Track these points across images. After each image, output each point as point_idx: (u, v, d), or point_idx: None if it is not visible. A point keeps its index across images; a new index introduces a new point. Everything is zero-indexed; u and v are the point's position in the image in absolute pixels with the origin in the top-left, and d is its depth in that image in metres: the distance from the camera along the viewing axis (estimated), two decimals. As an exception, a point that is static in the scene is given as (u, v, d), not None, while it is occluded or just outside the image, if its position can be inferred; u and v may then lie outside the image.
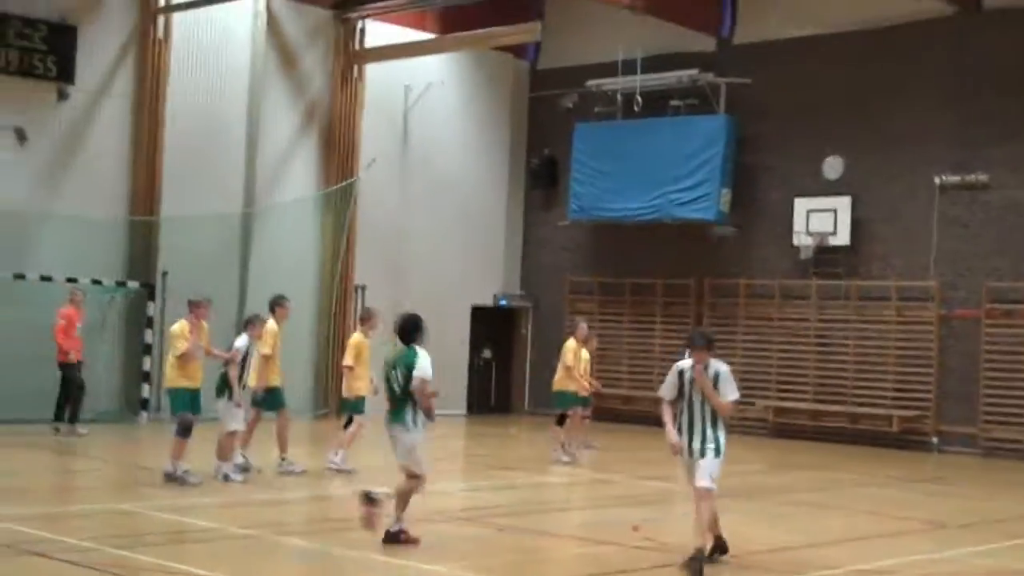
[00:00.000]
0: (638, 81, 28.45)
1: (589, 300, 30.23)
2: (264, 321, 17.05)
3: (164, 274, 24.34)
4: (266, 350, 16.90)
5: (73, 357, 20.82)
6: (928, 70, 25.83)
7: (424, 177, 29.30)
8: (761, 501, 17.03)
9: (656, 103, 28.68)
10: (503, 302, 31.19)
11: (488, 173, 30.99)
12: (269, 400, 17.16)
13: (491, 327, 31.11)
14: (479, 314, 30.68)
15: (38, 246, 22.87)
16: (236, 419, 15.95)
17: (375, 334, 17.53)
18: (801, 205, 26.81)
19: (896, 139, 26.00)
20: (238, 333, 17.13)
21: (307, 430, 24.03)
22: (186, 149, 24.92)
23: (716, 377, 11.81)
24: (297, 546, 12.10)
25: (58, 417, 20.72)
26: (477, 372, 30.91)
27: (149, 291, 23.96)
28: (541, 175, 31.12)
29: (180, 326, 15.92)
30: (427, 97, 29.11)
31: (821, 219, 26.56)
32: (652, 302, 29.13)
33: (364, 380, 17.23)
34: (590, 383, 21.76)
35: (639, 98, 28.46)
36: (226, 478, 15.71)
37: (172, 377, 15.93)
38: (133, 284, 24.09)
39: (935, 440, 25.19)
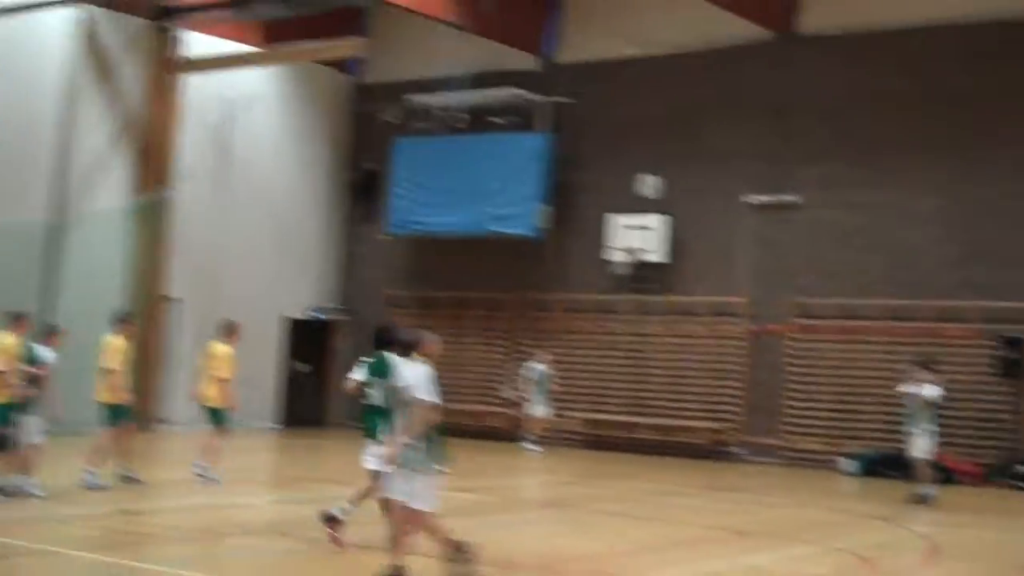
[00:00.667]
0: (460, 98, 28.63)
1: (406, 314, 30.19)
2: (61, 333, 16.70)
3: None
4: (113, 365, 16.80)
5: None
6: (745, 93, 26.55)
7: (243, 190, 28.97)
8: (569, 510, 17.26)
9: (478, 120, 28.88)
10: (319, 315, 30.99)
11: (309, 186, 30.82)
12: (115, 414, 16.89)
13: (308, 340, 30.87)
14: (296, 327, 30.43)
15: None
16: (38, 432, 15.59)
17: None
18: (617, 222, 27.26)
19: (712, 159, 26.65)
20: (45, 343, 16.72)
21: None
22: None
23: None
24: (93, 560, 11.82)
25: None
26: (292, 385, 30.63)
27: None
28: (362, 189, 31.07)
29: (6, 341, 15.54)
30: (247, 108, 28.81)
31: (636, 236, 27.04)
32: (470, 316, 29.29)
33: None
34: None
35: (461, 115, 28.65)
36: (24, 492, 15.32)
37: None
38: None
39: (741, 451, 25.84)
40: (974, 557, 14.95)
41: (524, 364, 27.05)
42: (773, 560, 13.52)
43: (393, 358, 11.28)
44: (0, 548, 12.03)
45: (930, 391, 19.40)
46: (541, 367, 26.66)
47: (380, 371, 11.64)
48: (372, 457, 11.83)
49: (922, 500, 19.13)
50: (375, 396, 11.81)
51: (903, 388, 19.95)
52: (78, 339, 24.22)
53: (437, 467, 10.56)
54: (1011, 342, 23.16)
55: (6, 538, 12.62)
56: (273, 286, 29.57)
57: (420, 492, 10.42)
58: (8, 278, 23.79)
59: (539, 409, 26.50)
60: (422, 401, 10.35)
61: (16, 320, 15.93)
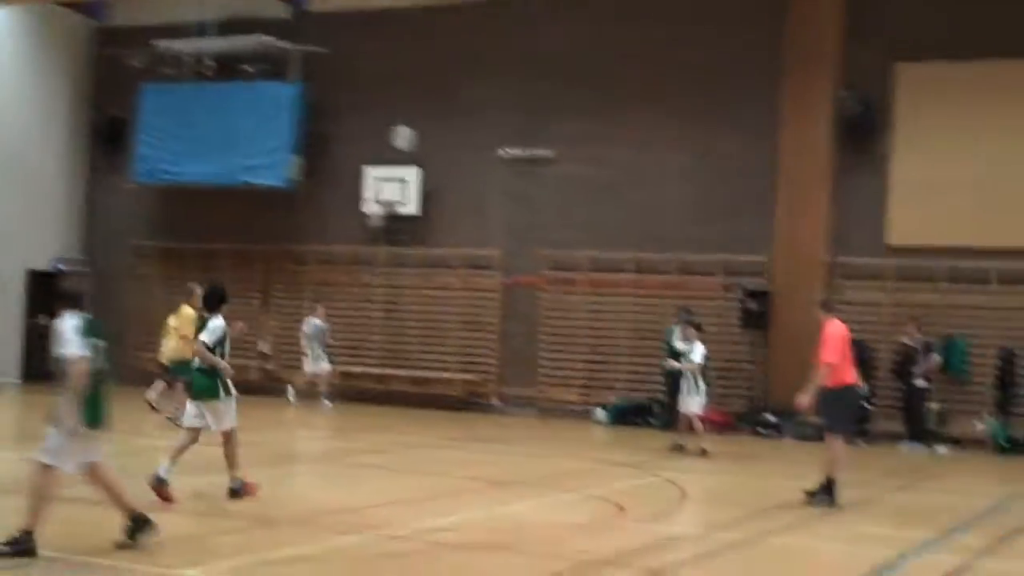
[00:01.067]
0: (209, 44, 27.94)
1: (153, 264, 29.46)
2: None
3: None
4: None
5: None
6: (500, 48, 26.68)
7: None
8: (326, 464, 17.17)
9: (229, 68, 28.23)
10: (59, 266, 29.85)
11: (50, 133, 29.63)
12: None
13: (51, 293, 29.65)
14: (38, 279, 29.27)
15: None
16: None
17: None
18: (371, 174, 27.10)
19: (466, 112, 26.72)
20: None
21: None
22: None
23: None
24: None
25: None
26: (36, 339, 29.45)
27: None
28: (106, 136, 30.01)
29: None
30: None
31: (391, 188, 26.94)
32: (221, 268, 28.63)
33: None
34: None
35: (210, 62, 27.97)
36: None
37: None
38: None
39: (498, 402, 26.15)
40: (720, 500, 15.50)
41: (305, 319, 26.40)
42: (530, 508, 13.71)
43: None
44: None
45: (699, 354, 19.87)
46: (317, 322, 26.23)
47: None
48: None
49: (682, 449, 19.69)
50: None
51: (687, 351, 20.16)
52: None
53: (88, 427, 9.95)
54: (753, 294, 24.00)
55: None
56: (14, 236, 28.33)
57: (60, 451, 9.87)
58: None
59: (319, 364, 26.02)
60: (68, 356, 9.91)
61: None
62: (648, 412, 24.31)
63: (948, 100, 23.46)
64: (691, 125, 25.16)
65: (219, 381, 13.10)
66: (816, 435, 22.21)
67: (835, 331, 14.40)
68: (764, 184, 24.32)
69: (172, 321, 20.97)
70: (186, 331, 19.60)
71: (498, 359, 26.34)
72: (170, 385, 20.85)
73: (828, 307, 15.04)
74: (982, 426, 22.22)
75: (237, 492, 13.01)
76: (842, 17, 24.08)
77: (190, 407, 13.25)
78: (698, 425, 19.74)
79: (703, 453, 19.35)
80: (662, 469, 17.84)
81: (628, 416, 24.41)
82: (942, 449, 21.53)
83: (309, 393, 25.84)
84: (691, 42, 25.15)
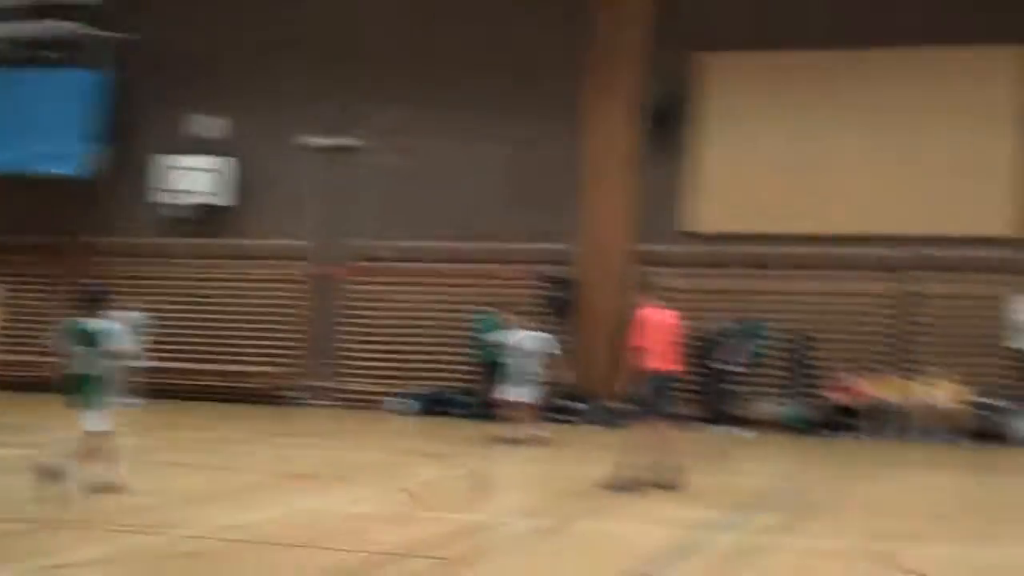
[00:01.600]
0: (12, 29, 27.00)
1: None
2: None
3: None
4: None
5: None
6: (310, 35, 26.33)
7: None
8: (122, 462, 16.59)
9: (27, 52, 27.25)
10: None
11: None
12: None
13: None
14: None
15: None
16: None
17: None
18: (177, 163, 26.49)
19: (277, 101, 26.37)
20: None
21: None
22: None
23: None
24: None
25: None
26: None
27: None
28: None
29: None
30: None
31: (198, 178, 26.35)
32: (17, 261, 27.58)
33: None
34: None
35: (12, 47, 27.02)
36: None
37: None
38: None
39: (302, 395, 25.78)
40: (525, 488, 15.55)
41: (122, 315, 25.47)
42: (330, 502, 13.50)
43: None
44: None
45: (531, 341, 19.84)
46: (134, 315, 25.38)
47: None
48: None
49: (523, 441, 19.49)
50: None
51: (509, 340, 20.10)
52: None
53: None
54: (558, 282, 24.13)
55: None
56: None
57: None
58: None
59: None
60: None
61: None
62: (455, 402, 24.25)
63: (748, 90, 24.00)
64: (499, 116, 25.23)
65: None
66: (621, 421, 22.67)
67: (648, 316, 14.39)
68: (570, 175, 24.50)
69: None
70: None
71: (305, 352, 25.97)
72: None
73: (645, 291, 14.91)
74: (778, 409, 22.74)
75: None
76: (647, 10, 24.37)
77: None
78: (526, 414, 19.64)
79: (534, 441, 19.24)
80: (468, 458, 17.81)
81: (435, 407, 24.32)
82: (743, 432, 21.95)
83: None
84: (500, 35, 25.26)
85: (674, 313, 14.60)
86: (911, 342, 22.72)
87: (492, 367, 23.27)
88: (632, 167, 24.37)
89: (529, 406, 19.63)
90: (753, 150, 23.80)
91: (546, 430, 19.77)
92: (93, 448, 12.82)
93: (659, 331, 14.30)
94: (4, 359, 25.77)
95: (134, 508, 12.58)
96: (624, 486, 14.17)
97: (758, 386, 23.15)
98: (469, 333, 23.89)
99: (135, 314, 25.09)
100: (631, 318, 14.55)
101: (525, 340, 19.83)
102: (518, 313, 20.57)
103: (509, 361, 19.83)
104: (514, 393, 19.62)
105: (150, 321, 25.46)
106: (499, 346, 20.33)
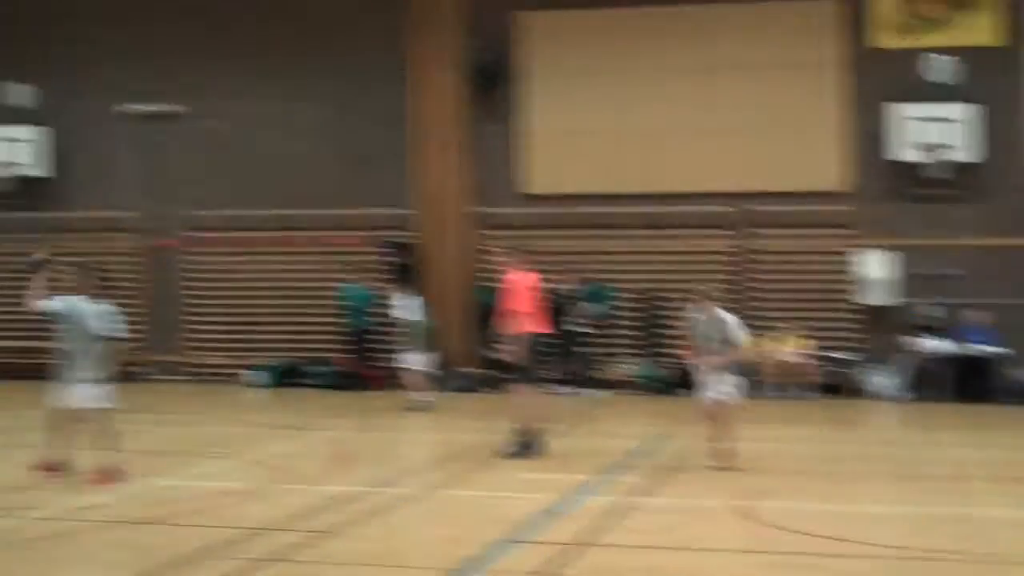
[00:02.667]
0: None
1: None
2: None
3: None
4: None
5: None
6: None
7: None
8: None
9: None
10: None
11: None
12: None
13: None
14: None
15: None
16: None
17: None
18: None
19: (90, 65, 25.27)
20: None
21: None
22: None
23: None
24: None
25: None
26: None
27: None
28: None
29: None
30: None
31: (12, 148, 25.34)
32: None
33: None
34: None
35: None
36: None
37: None
38: None
39: (145, 370, 25.02)
40: (387, 457, 15.39)
41: None
42: (184, 479, 13.13)
43: None
44: None
45: (410, 311, 19.89)
46: None
47: None
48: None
49: (421, 408, 19.45)
50: None
51: (394, 312, 20.23)
52: None
53: None
54: (400, 247, 23.84)
55: None
56: None
57: None
58: None
59: None
60: None
61: None
62: (309, 373, 23.81)
63: (576, 48, 23.90)
64: (325, 78, 24.70)
65: None
66: (472, 387, 22.59)
67: (518, 279, 14.32)
68: (399, 137, 24.16)
69: None
70: None
71: (143, 325, 25.17)
72: None
73: (510, 255, 14.83)
74: (630, 368, 22.84)
75: None
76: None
77: None
78: (418, 381, 19.68)
79: (425, 407, 19.38)
80: (323, 429, 17.53)
81: (285, 378, 23.85)
82: (600, 393, 21.96)
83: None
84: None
85: (537, 275, 14.59)
86: (757, 299, 22.94)
87: (361, 336, 23.14)
88: (463, 128, 24.15)
89: (419, 372, 19.85)
90: (582, 110, 23.66)
91: (432, 396, 19.80)
92: None
93: (528, 294, 14.30)
94: None
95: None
96: (518, 452, 14.08)
97: (611, 347, 23.21)
98: (337, 302, 23.52)
99: None
100: (499, 282, 14.49)
101: (406, 307, 19.98)
102: (385, 281, 20.53)
103: (398, 329, 20.17)
104: (408, 360, 19.85)
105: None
106: (370, 315, 20.36)
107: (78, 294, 12.78)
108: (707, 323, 13.64)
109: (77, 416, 12.59)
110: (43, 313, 12.60)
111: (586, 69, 23.80)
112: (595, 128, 23.60)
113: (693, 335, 13.83)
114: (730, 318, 13.79)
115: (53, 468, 12.55)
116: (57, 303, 12.60)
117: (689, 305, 14.34)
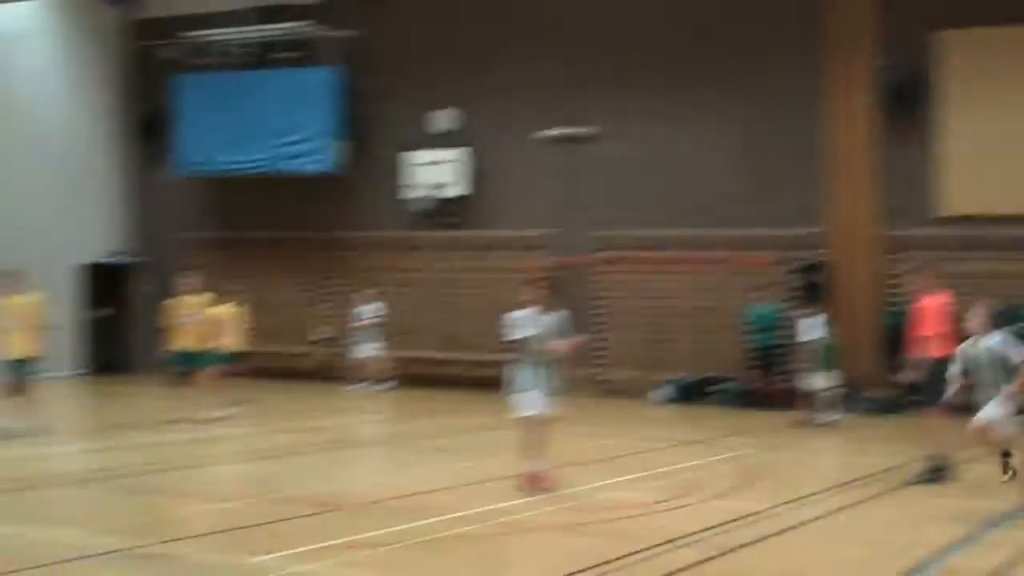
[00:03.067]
0: (243, 32, 27.92)
1: (207, 255, 29.39)
2: None
3: None
4: None
5: None
6: (538, 24, 26.41)
7: (21, 134, 27.72)
8: (390, 448, 17.06)
9: (264, 55, 28.16)
10: (113, 260, 29.95)
11: (92, 127, 29.66)
12: None
13: (107, 285, 29.83)
14: (93, 272, 29.37)
15: None
16: None
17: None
18: (416, 157, 26.92)
19: (508, 91, 26.48)
20: None
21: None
22: None
23: None
24: None
25: None
26: (94, 331, 29.61)
27: None
28: (147, 129, 30.02)
29: None
30: (22, 50, 27.39)
31: (436, 171, 26.76)
32: (270, 257, 28.60)
33: None
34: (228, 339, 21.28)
35: (243, 50, 28.00)
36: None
37: None
38: None
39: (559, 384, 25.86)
40: (783, 477, 15.29)
41: (358, 306, 26.43)
42: (598, 488, 13.52)
43: None
44: None
45: (816, 331, 20.18)
46: (369, 307, 26.18)
47: None
48: None
49: (828, 425, 19.82)
50: None
51: (801, 332, 20.47)
52: None
53: None
54: (810, 267, 23.69)
55: None
56: (65, 231, 28.45)
57: None
58: None
59: (367, 349, 26.02)
60: None
61: None
62: (716, 391, 23.98)
63: (994, 66, 23.09)
64: (734, 100, 24.85)
65: None
66: (879, 410, 22.11)
67: (929, 302, 14.25)
68: (809, 158, 23.99)
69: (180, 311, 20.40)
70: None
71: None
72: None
73: (922, 277, 14.81)
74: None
75: None
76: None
77: None
78: (823, 400, 20.00)
79: (832, 425, 19.70)
80: (729, 446, 17.63)
81: (691, 394, 24.14)
82: None
83: (364, 378, 25.84)
84: (732, 15, 24.86)
85: (948, 297, 14.28)
86: None
87: (767, 355, 23.22)
88: (874, 149, 23.74)
89: (825, 391, 20.11)
90: (1002, 128, 22.88)
91: (839, 414, 20.04)
92: None
93: (938, 317, 14.05)
94: (264, 350, 26.74)
95: (405, 492, 12.86)
96: (929, 478, 13.85)
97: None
98: (744, 320, 23.65)
99: (368, 306, 25.95)
100: (909, 305, 14.33)
101: (812, 327, 20.21)
102: (792, 300, 20.64)
103: (803, 348, 20.40)
104: (813, 379, 20.12)
105: (387, 313, 26.10)
106: (777, 333, 20.54)
107: (533, 307, 13.08)
108: None
109: (535, 423, 13.00)
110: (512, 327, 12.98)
111: (1006, 86, 22.95)
112: (1015, 147, 22.73)
113: None
114: None
115: (537, 480, 12.87)
116: (518, 316, 12.99)
117: None
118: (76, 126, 29.25)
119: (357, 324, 26.09)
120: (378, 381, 25.73)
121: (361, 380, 25.92)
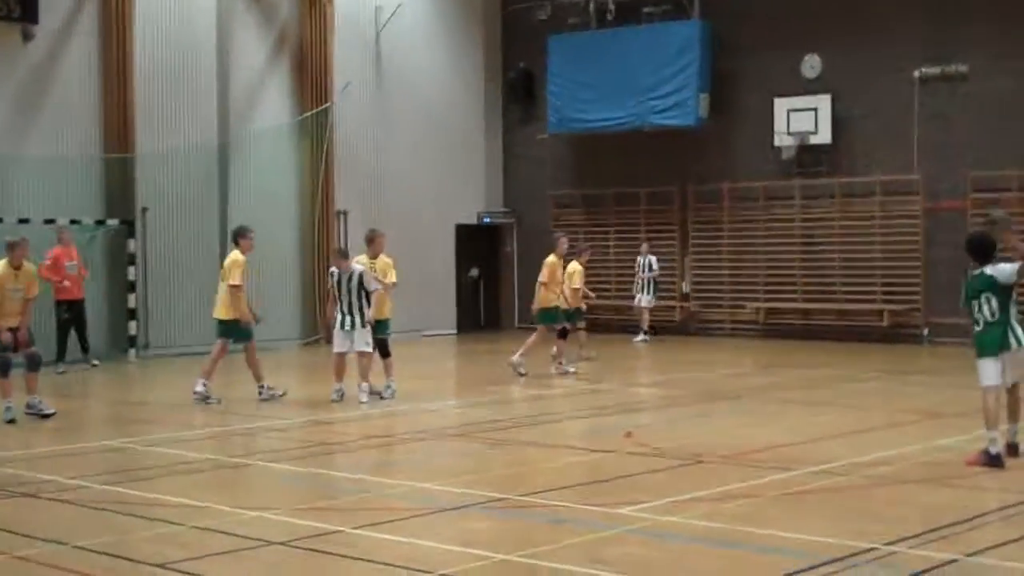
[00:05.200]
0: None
1: (572, 213, 30.14)
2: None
3: (144, 210, 24.18)
4: (235, 281, 16.80)
5: (74, 293, 21.43)
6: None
7: (400, 98, 29.00)
8: (753, 401, 17.06)
9: (630, 11, 28.40)
10: (487, 220, 31.05)
11: (464, 90, 30.69)
12: (236, 331, 17.02)
13: (476, 245, 31.00)
14: (463, 233, 30.55)
15: (13, 190, 22.60)
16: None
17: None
18: (781, 105, 26.65)
19: (874, 34, 25.79)
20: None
21: (295, 358, 24.04)
22: (156, 84, 24.58)
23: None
24: (288, 471, 12.05)
25: (60, 357, 21.14)
26: (464, 291, 30.86)
27: (129, 228, 23.74)
28: (518, 89, 30.87)
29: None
30: (398, 17, 28.67)
31: (802, 118, 26.40)
32: (636, 211, 29.02)
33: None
34: (586, 296, 21.86)
35: (612, 6, 28.24)
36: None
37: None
38: (112, 222, 23.84)
39: (925, 332, 25.21)
40: None
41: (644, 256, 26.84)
42: (966, 441, 13.12)
43: None
44: (199, 463, 12.35)
45: None
46: (649, 258, 26.51)
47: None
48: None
49: None
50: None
51: None
52: (254, 258, 24.90)
53: None
54: None
55: (198, 453, 12.96)
56: (440, 193, 29.63)
57: None
58: (185, 198, 24.44)
59: (645, 299, 26.39)
60: None
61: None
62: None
63: None
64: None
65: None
66: None
67: None
68: None
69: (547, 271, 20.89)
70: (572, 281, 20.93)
71: (924, 287, 25.36)
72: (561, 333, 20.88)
73: None
74: None
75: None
76: None
77: None
78: None
79: None
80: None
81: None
82: None
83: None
84: None
85: None
86: None
87: None
88: None
89: None
90: None
91: None
92: None
93: None
94: (617, 305, 27.30)
95: (768, 444, 12.90)
96: None
97: None
98: None
99: (649, 258, 26.20)
100: None
101: None
102: None
103: None
104: None
105: (752, 264, 26.11)
106: None
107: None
108: None
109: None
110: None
111: None
112: None
113: None
114: None
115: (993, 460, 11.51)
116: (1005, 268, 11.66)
117: None
118: (452, 89, 30.38)
119: (642, 276, 26.64)
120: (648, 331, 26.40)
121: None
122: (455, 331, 29.82)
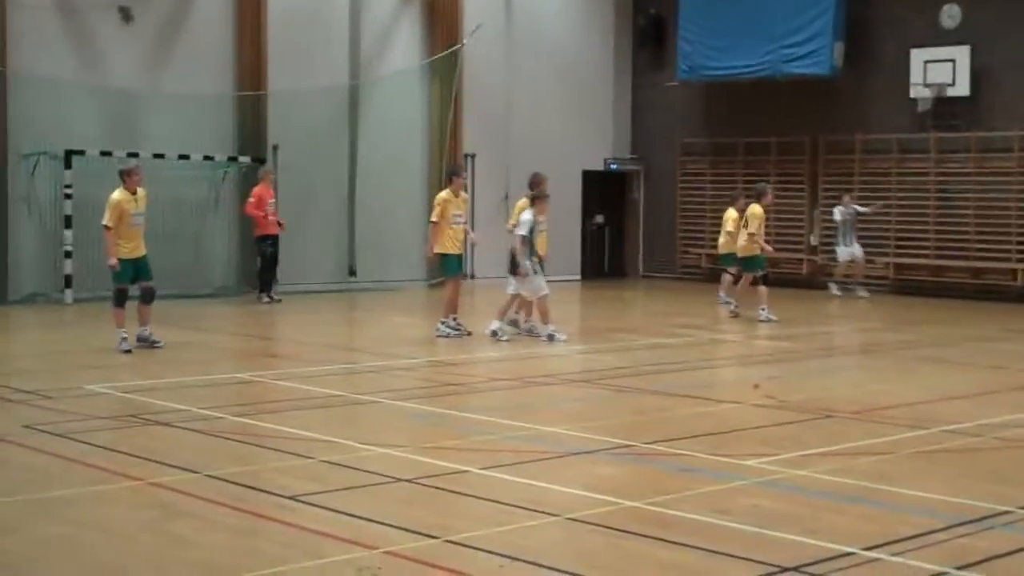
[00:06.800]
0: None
1: (700, 161, 29.84)
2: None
3: (275, 148, 24.48)
4: (434, 218, 17.71)
5: (273, 230, 22.75)
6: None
7: (529, 42, 28.88)
8: (883, 358, 16.81)
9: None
10: (614, 166, 30.87)
11: (594, 35, 30.44)
12: (443, 266, 18.00)
13: (603, 192, 30.86)
14: (590, 179, 30.43)
15: (148, 125, 23.04)
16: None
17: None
18: (918, 56, 25.98)
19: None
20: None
21: (422, 297, 24.19)
22: (290, 23, 24.79)
23: None
24: (415, 409, 12.15)
25: (263, 288, 22.71)
26: (590, 238, 30.77)
27: (261, 165, 24.03)
28: (648, 35, 30.54)
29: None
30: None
31: (939, 70, 25.74)
32: (765, 161, 28.61)
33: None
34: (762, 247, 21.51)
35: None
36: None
37: None
38: (244, 159, 24.18)
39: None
40: None
41: (836, 207, 26.23)
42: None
43: None
44: (327, 399, 12.52)
45: None
46: (845, 209, 25.86)
47: None
48: None
49: None
50: None
51: None
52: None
53: None
54: None
55: (328, 389, 13.13)
56: (567, 139, 29.48)
57: None
58: (315, 138, 24.70)
59: (851, 252, 25.86)
60: None
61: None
62: None
63: None
64: None
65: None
66: None
67: None
68: None
69: (729, 217, 22.03)
70: (752, 228, 20.60)
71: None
72: (736, 278, 21.63)
73: None
74: None
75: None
76: None
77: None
78: None
79: None
80: None
81: None
82: None
83: (850, 283, 25.70)
84: None
85: None
86: None
87: None
88: None
89: None
90: None
91: None
92: None
93: None
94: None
95: (897, 402, 12.70)
96: None
97: None
98: None
99: (845, 208, 25.65)
100: None
101: None
102: None
103: None
104: None
105: (883, 218, 25.68)
106: None
107: None
108: None
109: None
110: None
111: None
112: None
113: None
114: None
115: None
116: None
117: None
118: (581, 35, 30.14)
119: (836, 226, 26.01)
120: (855, 285, 25.67)
121: (841, 284, 25.84)
122: (579, 278, 29.75)
